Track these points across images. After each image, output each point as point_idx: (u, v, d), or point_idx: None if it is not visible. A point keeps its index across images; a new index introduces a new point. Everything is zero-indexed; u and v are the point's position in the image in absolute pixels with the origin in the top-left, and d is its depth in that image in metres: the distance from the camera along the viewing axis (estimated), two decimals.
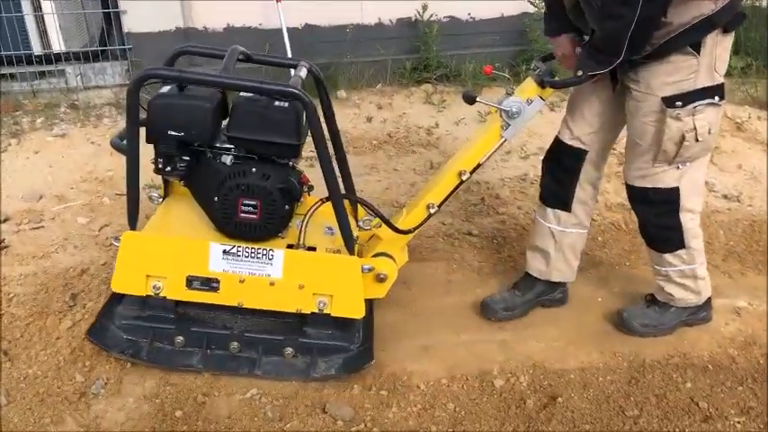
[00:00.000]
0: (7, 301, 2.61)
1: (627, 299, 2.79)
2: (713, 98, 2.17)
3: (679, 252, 2.42)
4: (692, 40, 2.10)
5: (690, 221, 2.39)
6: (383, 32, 5.15)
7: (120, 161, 2.26)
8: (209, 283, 2.22)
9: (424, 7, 5.06)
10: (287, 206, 2.23)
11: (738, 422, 2.17)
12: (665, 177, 2.31)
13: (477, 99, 2.30)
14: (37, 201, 3.45)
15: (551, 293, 2.72)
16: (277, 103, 2.12)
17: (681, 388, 2.32)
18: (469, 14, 5.22)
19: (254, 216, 2.20)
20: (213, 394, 2.23)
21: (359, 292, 2.25)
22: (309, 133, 2.15)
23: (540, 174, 2.67)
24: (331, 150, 2.37)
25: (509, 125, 2.31)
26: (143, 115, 2.14)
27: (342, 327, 2.32)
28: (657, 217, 2.40)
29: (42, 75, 4.74)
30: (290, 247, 2.27)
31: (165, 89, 2.19)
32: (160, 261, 2.23)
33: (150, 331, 2.29)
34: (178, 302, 2.28)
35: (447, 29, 5.14)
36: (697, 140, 2.19)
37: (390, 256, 2.38)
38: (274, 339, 2.30)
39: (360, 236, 2.51)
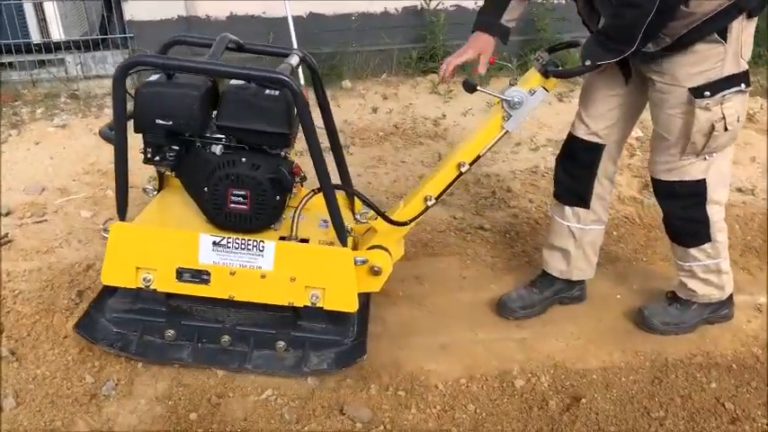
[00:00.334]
0: (12, 297, 2.53)
1: (646, 296, 2.73)
2: (740, 85, 2.12)
3: (704, 246, 2.37)
4: (717, 27, 2.04)
5: (716, 214, 2.34)
6: (389, 21, 5.07)
7: None
8: (200, 276, 2.18)
9: None
10: (278, 197, 2.19)
11: (767, 424, 2.12)
12: (691, 170, 2.25)
13: (478, 88, 2.23)
14: (39, 193, 3.38)
15: (570, 291, 2.66)
16: (267, 91, 2.08)
17: (705, 388, 2.26)
18: (476, 3, 5.12)
19: (245, 206, 2.16)
20: (228, 395, 2.16)
21: (351, 285, 2.20)
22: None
23: (553, 168, 2.60)
24: (327, 142, 2.30)
25: (510, 116, 2.24)
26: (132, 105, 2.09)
27: (336, 321, 2.28)
28: (684, 210, 2.34)
29: (42, 64, 4.65)
30: (282, 239, 2.22)
31: (154, 77, 2.14)
32: (150, 253, 2.18)
33: (140, 324, 2.25)
34: (170, 295, 2.24)
35: (454, 18, 5.05)
36: (726, 129, 2.14)
37: (386, 249, 2.32)
38: (266, 333, 2.26)
39: (356, 229, 2.46)
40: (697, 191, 2.29)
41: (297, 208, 2.23)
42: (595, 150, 2.43)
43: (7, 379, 2.16)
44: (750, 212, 3.44)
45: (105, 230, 2.20)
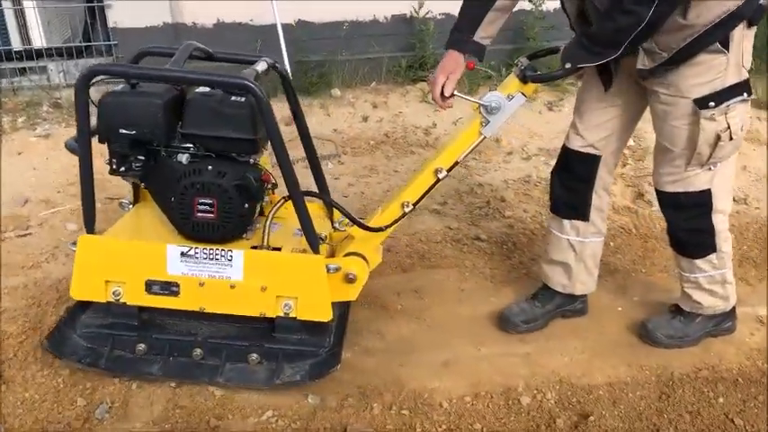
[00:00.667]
0: None
1: (647, 308, 2.70)
2: (742, 95, 2.11)
3: (710, 257, 2.35)
4: (716, 38, 2.01)
5: (721, 223, 2.32)
6: (378, 29, 5.03)
7: None
8: (169, 287, 2.14)
9: (420, 4, 4.95)
10: (246, 204, 2.15)
11: None
12: (696, 180, 2.23)
13: (455, 93, 2.21)
14: (22, 205, 3.28)
15: (572, 304, 2.62)
16: (234, 98, 2.05)
17: (713, 404, 2.23)
18: None
19: (212, 215, 2.12)
20: (227, 417, 2.09)
21: (325, 294, 2.14)
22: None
23: (545, 178, 2.57)
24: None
25: (489, 121, 2.21)
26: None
27: (312, 331, 2.22)
28: (689, 221, 2.32)
29: (23, 71, 4.55)
30: (254, 248, 2.18)
31: (119, 87, 2.11)
32: (118, 265, 2.14)
33: (111, 339, 2.20)
34: (143, 309, 2.20)
35: (443, 26, 5.00)
36: (731, 139, 2.13)
37: (362, 256, 2.27)
38: (239, 345, 2.21)
39: (334, 236, 2.42)
40: (702, 201, 2.27)
41: (267, 216, 2.19)
42: (592, 162, 2.40)
43: None
44: (744, 222, 3.43)
45: (73, 244, 2.15)
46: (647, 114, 2.37)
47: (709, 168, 2.21)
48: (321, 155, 4.12)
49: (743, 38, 2.06)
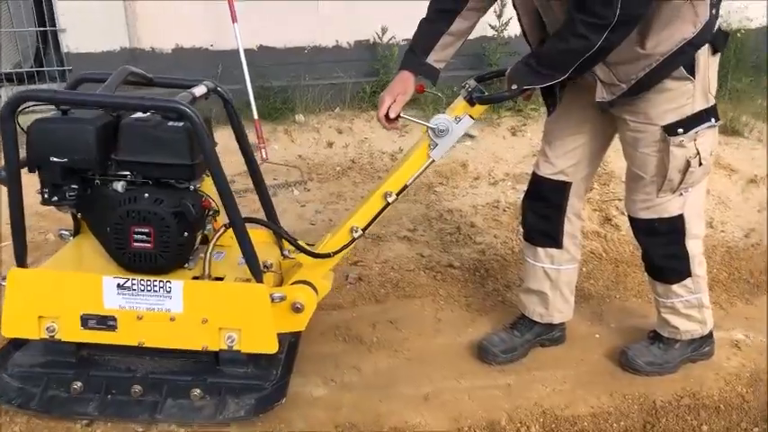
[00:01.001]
0: None
1: (625, 335, 2.68)
2: (710, 120, 2.12)
3: (686, 281, 2.34)
4: (676, 66, 2.02)
5: (695, 248, 2.32)
6: (341, 55, 5.00)
7: None
8: (106, 322, 2.04)
9: (384, 30, 4.93)
10: (185, 233, 2.07)
11: None
12: (669, 206, 2.23)
13: (402, 115, 2.18)
14: None
15: (551, 333, 2.58)
16: (171, 122, 2.00)
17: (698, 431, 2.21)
18: None
19: (149, 245, 2.04)
20: None
21: (269, 325, 2.07)
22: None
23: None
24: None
25: (437, 144, 2.18)
26: None
27: (258, 364, 2.14)
28: (664, 247, 2.32)
29: None
30: (196, 278, 2.10)
31: (50, 114, 2.04)
32: (52, 299, 2.04)
33: (45, 378, 2.09)
34: (82, 345, 2.10)
35: None
36: (700, 164, 2.14)
37: (310, 284, 2.20)
38: (181, 380, 2.12)
39: (283, 264, 2.35)
40: (676, 227, 2.27)
41: (209, 245, 2.12)
42: (562, 189, 2.39)
43: None
44: (711, 246, 3.46)
45: (3, 278, 2.04)
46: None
47: (681, 194, 2.21)
48: (287, 182, 4.08)
49: (708, 65, 2.08)
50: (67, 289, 2.04)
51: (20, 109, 1.90)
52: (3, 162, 1.96)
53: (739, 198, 3.92)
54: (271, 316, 2.06)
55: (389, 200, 2.22)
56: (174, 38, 4.66)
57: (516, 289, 2.91)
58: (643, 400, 2.33)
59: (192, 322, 2.05)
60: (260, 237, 2.37)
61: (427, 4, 2.24)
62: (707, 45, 2.04)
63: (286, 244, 2.39)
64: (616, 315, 2.85)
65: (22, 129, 1.96)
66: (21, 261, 2.05)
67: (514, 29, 4.86)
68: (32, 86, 4.34)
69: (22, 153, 1.98)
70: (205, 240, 2.29)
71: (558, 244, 2.45)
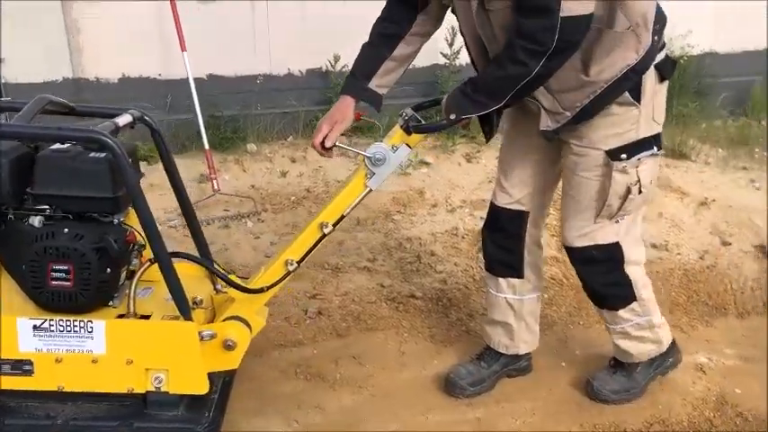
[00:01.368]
0: None
1: (590, 362, 2.65)
2: (653, 148, 2.10)
3: (632, 305, 2.30)
4: (621, 92, 2.01)
5: (636, 273, 2.28)
6: (294, 83, 4.94)
7: None
8: (21, 366, 1.91)
9: (336, 58, 4.90)
10: (108, 269, 1.96)
11: None
12: (604, 233, 2.19)
13: (337, 144, 2.14)
14: None
15: (517, 363, 2.54)
16: (93, 153, 1.92)
17: None
18: None
19: (68, 283, 1.92)
20: None
21: (198, 364, 1.97)
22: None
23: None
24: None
25: (374, 173, 2.12)
26: None
27: (189, 405, 2.02)
28: (603, 275, 2.27)
29: None
30: (120, 317, 1.99)
31: None
32: None
33: None
34: None
35: None
36: (640, 192, 2.11)
37: (243, 320, 2.11)
38: (105, 426, 1.97)
39: (216, 299, 2.25)
40: (613, 255, 2.22)
41: (133, 281, 2.01)
42: (520, 218, 2.36)
43: None
44: (668, 268, 3.49)
45: None
46: None
47: (617, 221, 2.18)
48: (239, 213, 3.97)
49: (655, 92, 2.07)
50: None
51: None
52: None
53: (692, 220, 3.98)
54: (200, 355, 1.95)
55: (326, 231, 2.15)
56: (121, 67, 4.52)
57: (480, 319, 2.86)
58: (614, 430, 2.31)
59: (116, 364, 1.93)
60: (191, 271, 2.27)
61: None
62: (654, 71, 2.04)
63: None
64: (581, 342, 2.83)
65: None
66: None
67: (467, 57, 4.89)
68: None
69: None
70: (133, 276, 2.16)
71: (519, 274, 2.40)
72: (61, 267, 1.89)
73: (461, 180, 4.57)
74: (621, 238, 2.20)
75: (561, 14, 1.79)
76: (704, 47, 5.63)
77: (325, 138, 2.12)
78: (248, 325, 2.09)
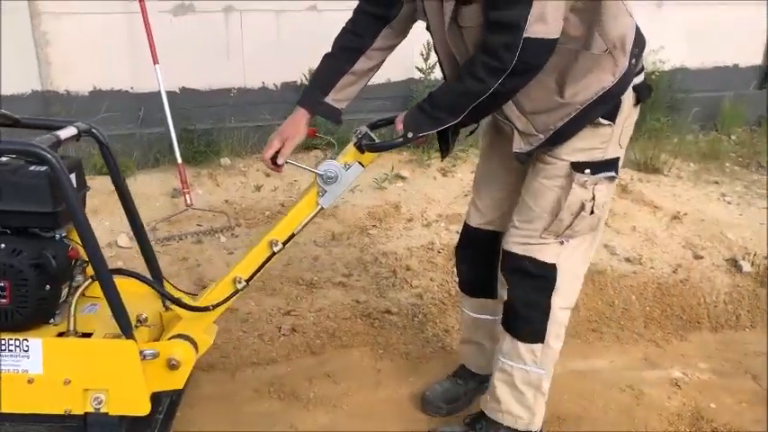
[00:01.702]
0: None
1: (565, 376, 2.64)
2: (612, 171, 2.03)
3: (534, 347, 2.11)
4: (596, 116, 1.95)
5: (559, 311, 2.10)
6: (268, 97, 4.90)
7: None
8: None
9: (311, 71, 4.86)
10: (46, 286, 1.91)
11: None
12: (546, 250, 2.07)
13: (288, 161, 2.10)
14: None
15: None
16: (33, 167, 1.88)
17: None
18: None
19: (4, 300, 1.87)
20: None
21: (139, 384, 1.91)
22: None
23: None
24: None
25: (326, 191, 2.08)
26: None
27: (132, 426, 1.97)
28: (528, 292, 2.10)
29: None
30: (61, 335, 1.95)
31: None
32: None
33: None
34: None
35: None
36: (591, 212, 2.02)
37: (190, 338, 2.07)
38: None
39: (165, 316, 2.20)
40: (547, 274, 2.08)
41: (72, 298, 1.97)
42: (493, 239, 2.29)
43: None
44: (642, 282, 3.50)
45: None
46: None
47: (561, 242, 2.07)
48: (212, 228, 3.91)
49: (628, 115, 2.02)
50: None
51: None
52: None
53: (665, 234, 4.01)
54: (140, 374, 1.90)
55: (275, 249, 2.09)
56: (91, 80, 4.45)
57: (456, 334, 2.84)
58: None
59: (54, 384, 1.88)
60: (141, 288, 2.19)
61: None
62: (632, 93, 1.99)
63: (179, 294, 2.22)
64: None
65: None
66: None
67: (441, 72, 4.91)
68: None
69: None
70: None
71: (492, 294, 2.32)
72: None
73: (437, 194, 4.56)
74: (560, 263, 2.07)
75: (525, 35, 1.74)
76: (676, 62, 5.71)
77: (277, 152, 2.08)
78: (194, 344, 2.03)
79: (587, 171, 1.99)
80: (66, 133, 1.98)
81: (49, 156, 1.74)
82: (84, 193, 2.10)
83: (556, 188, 2.02)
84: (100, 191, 3.63)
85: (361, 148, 2.04)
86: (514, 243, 2.11)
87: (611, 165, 2.03)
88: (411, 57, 4.77)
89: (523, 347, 2.12)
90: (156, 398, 1.98)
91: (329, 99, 2.11)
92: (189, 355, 2.00)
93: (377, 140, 2.06)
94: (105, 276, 1.85)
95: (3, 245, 1.85)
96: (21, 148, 1.82)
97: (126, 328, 1.88)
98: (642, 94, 2.04)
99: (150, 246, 2.34)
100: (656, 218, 4.21)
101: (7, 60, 4.11)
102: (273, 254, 2.10)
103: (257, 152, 4.76)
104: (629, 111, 2.02)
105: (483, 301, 2.38)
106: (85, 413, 1.89)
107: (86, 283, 1.98)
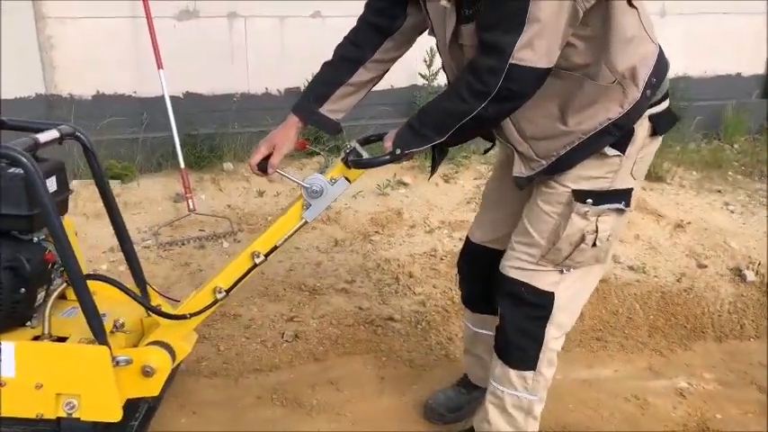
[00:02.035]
0: None
1: (567, 385, 2.63)
2: (621, 203, 1.89)
3: (526, 374, 2.04)
4: (601, 147, 1.84)
5: (553, 341, 2.02)
6: (271, 102, 4.89)
7: None
8: None
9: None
10: (22, 289, 1.91)
11: None
12: (543, 277, 1.97)
13: (277, 170, 2.07)
14: None
15: None
16: (12, 169, 1.86)
17: None
18: None
19: None
20: None
21: (111, 390, 1.90)
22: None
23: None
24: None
25: (311, 205, 2.04)
26: None
27: None
28: (522, 320, 2.01)
29: None
30: (36, 338, 1.94)
31: None
32: None
33: None
34: None
35: None
36: (594, 245, 1.90)
37: (167, 346, 2.05)
38: None
39: (145, 322, 2.19)
40: (543, 302, 1.98)
41: (47, 302, 1.96)
42: (495, 256, 2.20)
43: None
44: (646, 291, 3.49)
45: None
46: None
47: (561, 271, 1.97)
48: (215, 233, 3.90)
49: (644, 145, 1.89)
50: None
51: None
52: None
53: (668, 243, 4.00)
54: (113, 380, 1.88)
55: (257, 261, 2.05)
56: (96, 84, 4.45)
57: (459, 342, 2.83)
58: None
59: (25, 388, 1.86)
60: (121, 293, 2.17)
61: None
62: (647, 123, 1.86)
63: (155, 301, 2.22)
64: (559, 367, 2.78)
65: None
66: None
67: (445, 77, 4.90)
68: None
69: None
70: (63, 297, 2.11)
71: (493, 310, 2.24)
72: None
73: (439, 201, 4.55)
74: (559, 293, 1.97)
75: (512, 61, 1.65)
76: (678, 71, 5.71)
77: (265, 159, 2.05)
78: (172, 351, 2.02)
79: (589, 201, 1.87)
80: (45, 137, 1.96)
81: (23, 158, 1.73)
82: (66, 196, 2.08)
83: (555, 215, 1.92)
84: None
85: (347, 163, 2.00)
86: (511, 267, 2.01)
87: (619, 196, 1.89)
88: (414, 63, 4.77)
89: (514, 374, 2.05)
90: (132, 404, 1.97)
91: (324, 110, 2.06)
92: (164, 362, 1.98)
93: (366, 156, 2.00)
94: (78, 281, 1.84)
95: None
96: None
97: (98, 333, 1.86)
98: (660, 125, 1.88)
99: (134, 249, 2.31)
100: (659, 226, 4.21)
101: (11, 64, 4.11)
102: (255, 266, 2.06)
103: None
104: (643, 141, 1.87)
105: (483, 316, 2.33)
106: (58, 418, 1.88)
107: (62, 287, 1.99)
